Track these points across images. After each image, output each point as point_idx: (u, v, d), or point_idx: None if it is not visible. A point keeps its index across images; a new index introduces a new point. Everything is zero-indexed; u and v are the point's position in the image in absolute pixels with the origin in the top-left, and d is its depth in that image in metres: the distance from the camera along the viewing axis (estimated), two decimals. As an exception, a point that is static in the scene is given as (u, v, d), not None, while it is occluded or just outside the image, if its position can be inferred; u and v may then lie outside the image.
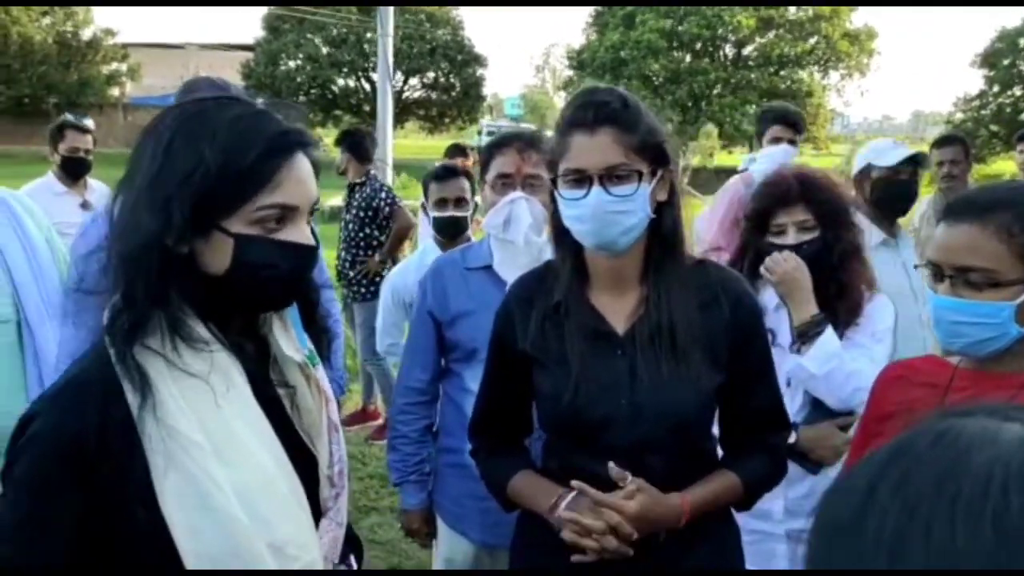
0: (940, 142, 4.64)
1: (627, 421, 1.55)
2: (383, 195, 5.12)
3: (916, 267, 1.66)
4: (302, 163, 1.16)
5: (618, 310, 1.61)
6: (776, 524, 2.17)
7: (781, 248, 2.22)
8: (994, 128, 31.87)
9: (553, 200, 1.61)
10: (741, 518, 1.76)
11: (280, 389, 1.24)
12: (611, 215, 1.50)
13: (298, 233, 1.16)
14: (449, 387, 2.31)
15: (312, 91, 34.96)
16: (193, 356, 1.11)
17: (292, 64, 34.40)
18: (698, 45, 32.00)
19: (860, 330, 2.21)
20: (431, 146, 34.96)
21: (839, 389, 2.13)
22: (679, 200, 1.60)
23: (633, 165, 1.50)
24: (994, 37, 34.16)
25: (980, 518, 0.38)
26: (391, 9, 7.19)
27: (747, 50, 32.51)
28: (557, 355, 1.60)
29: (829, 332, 2.13)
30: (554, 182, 1.57)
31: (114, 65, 36.65)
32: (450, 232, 3.37)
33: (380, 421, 5.30)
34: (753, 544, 1.75)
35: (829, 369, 2.11)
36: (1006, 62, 33.41)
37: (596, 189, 1.50)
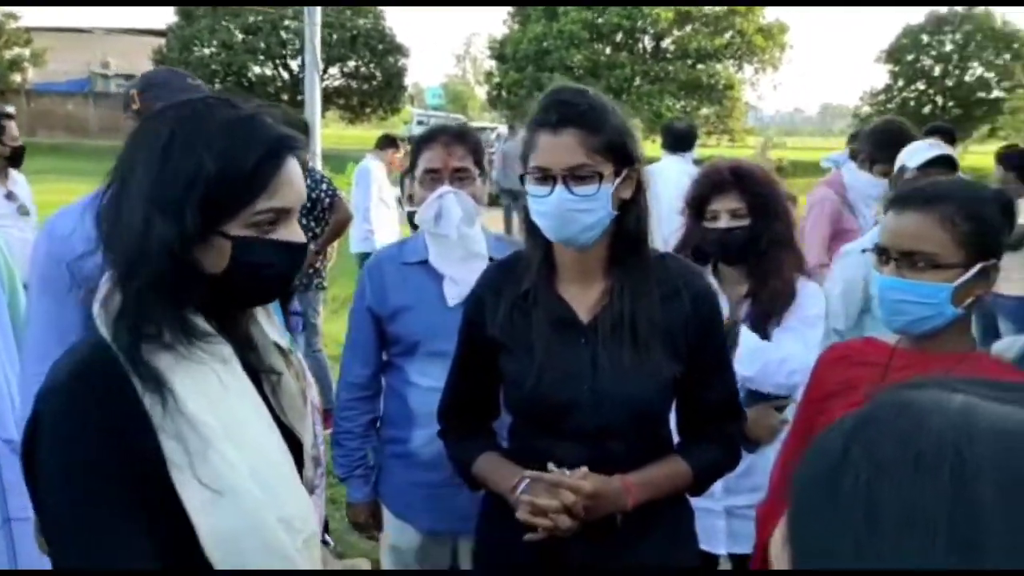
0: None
1: (589, 407, 1.63)
2: (324, 187, 5.07)
3: (864, 251, 1.77)
4: (294, 166, 1.21)
5: (583, 300, 1.68)
6: (716, 501, 2.28)
7: (714, 232, 2.34)
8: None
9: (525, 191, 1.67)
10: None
11: (263, 376, 1.27)
12: (572, 213, 1.57)
13: (291, 232, 1.21)
14: (392, 380, 2.34)
15: (227, 79, 34.04)
16: (197, 348, 1.14)
17: (206, 51, 33.41)
18: (618, 37, 32.39)
19: (792, 315, 2.35)
20: (352, 136, 34.50)
21: (774, 376, 2.28)
22: (645, 197, 1.67)
23: (596, 166, 1.57)
24: (899, 33, 35.65)
25: (939, 472, 0.45)
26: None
27: (665, 43, 33.05)
28: (523, 341, 1.67)
29: (744, 332, 2.28)
30: (522, 177, 1.64)
31: (16, 50, 34.95)
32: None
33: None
34: (696, 521, 1.85)
35: (760, 365, 2.25)
36: (910, 58, 34.90)
37: (559, 188, 1.57)
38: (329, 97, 36.30)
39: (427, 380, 2.20)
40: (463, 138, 2.28)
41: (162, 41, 34.05)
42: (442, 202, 2.20)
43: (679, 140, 5.40)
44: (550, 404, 1.65)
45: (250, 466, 1.13)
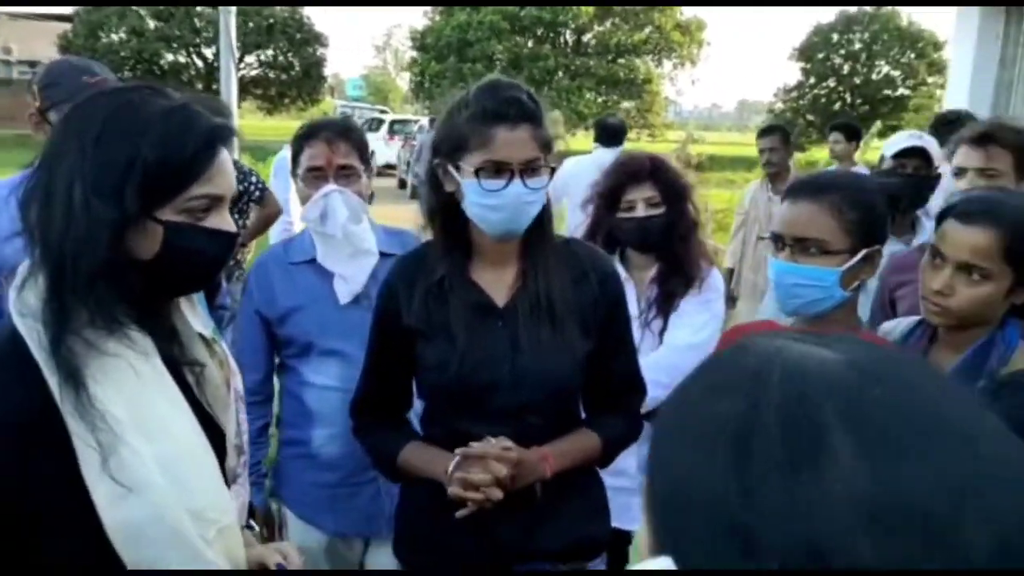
0: (761, 132, 5.05)
1: (510, 386, 1.68)
2: (253, 179, 4.99)
3: (759, 239, 1.87)
4: (226, 155, 1.23)
5: (497, 285, 1.73)
6: (631, 479, 2.35)
7: (631, 221, 2.44)
8: (811, 118, 34.36)
9: (435, 180, 1.70)
10: (602, 476, 1.92)
11: (186, 367, 1.27)
12: (525, 205, 1.64)
13: (222, 220, 1.23)
14: (287, 382, 2.30)
15: (138, 66, 32.92)
16: (113, 337, 1.14)
17: (115, 37, 32.23)
18: (539, 30, 32.57)
19: (691, 299, 2.46)
20: (270, 127, 33.78)
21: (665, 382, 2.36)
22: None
23: (543, 159, 1.64)
24: (810, 32, 36.79)
25: (738, 393, 0.54)
26: (232, -17, 6.92)
27: (586, 37, 33.41)
28: (442, 328, 1.70)
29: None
30: (458, 168, 1.64)
31: (-92, 33, 33.13)
32: None
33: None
34: (611, 499, 1.92)
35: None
36: (820, 56, 36.05)
37: (516, 181, 1.60)
38: (246, 87, 35.44)
39: (322, 379, 2.19)
40: (347, 134, 2.22)
41: (68, 27, 32.69)
42: (327, 201, 2.16)
43: (613, 135, 5.82)
44: (473, 386, 1.69)
45: (161, 459, 1.13)
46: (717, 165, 20.24)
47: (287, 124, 28.05)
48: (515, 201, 1.62)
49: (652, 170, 2.46)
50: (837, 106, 35.35)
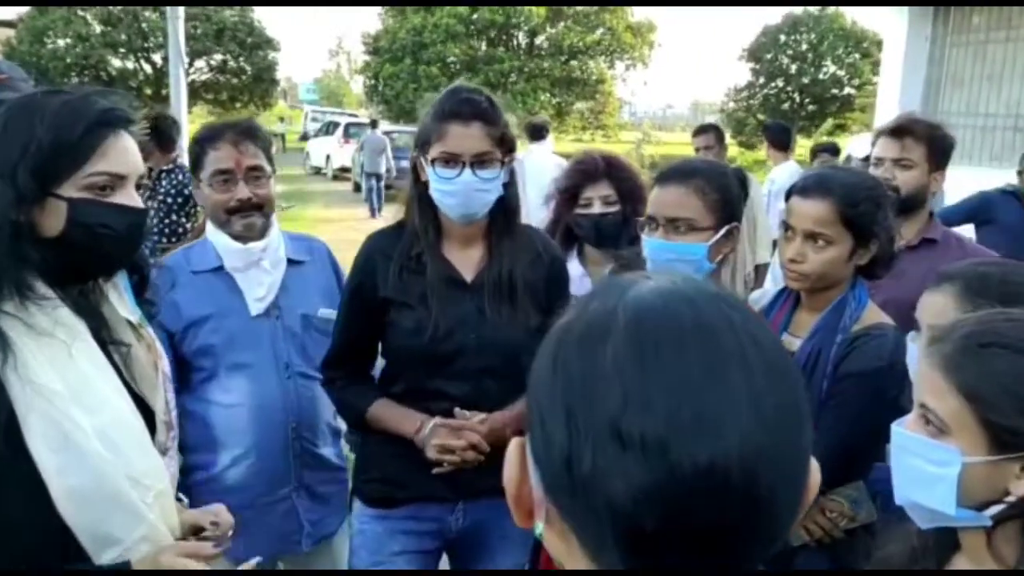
0: (697, 131, 5.26)
1: (474, 352, 1.93)
2: None
3: (638, 222, 2.01)
4: (126, 138, 1.32)
5: (467, 263, 1.98)
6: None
7: (588, 217, 2.56)
8: (761, 117, 34.90)
9: (414, 171, 1.94)
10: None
11: (112, 348, 1.35)
12: (477, 193, 1.89)
13: (128, 198, 1.31)
14: (190, 403, 2.11)
15: (85, 72, 32.33)
16: (41, 314, 1.22)
17: (61, 43, 31.61)
18: (493, 33, 32.66)
19: None
20: (223, 132, 33.30)
21: None
22: (516, 180, 2.00)
23: (495, 154, 1.88)
24: (759, 33, 37.40)
25: (599, 344, 0.60)
26: (180, -12, 6.90)
27: (540, 39, 33.56)
28: (418, 298, 1.92)
29: None
30: (425, 159, 1.88)
31: None
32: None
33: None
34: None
35: None
36: (769, 56, 36.64)
37: (467, 171, 1.85)
38: (197, 91, 34.99)
39: (229, 396, 2.10)
40: (252, 134, 2.12)
41: (11, 33, 31.95)
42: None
43: (537, 131, 7.15)
44: (444, 350, 1.93)
45: (98, 428, 1.22)
46: (671, 165, 20.57)
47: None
48: (466, 188, 1.86)
49: (607, 169, 2.63)
50: (786, 106, 35.97)
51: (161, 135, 4.98)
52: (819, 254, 1.83)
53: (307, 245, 2.32)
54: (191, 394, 2.14)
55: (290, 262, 2.20)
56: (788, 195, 1.92)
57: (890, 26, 5.67)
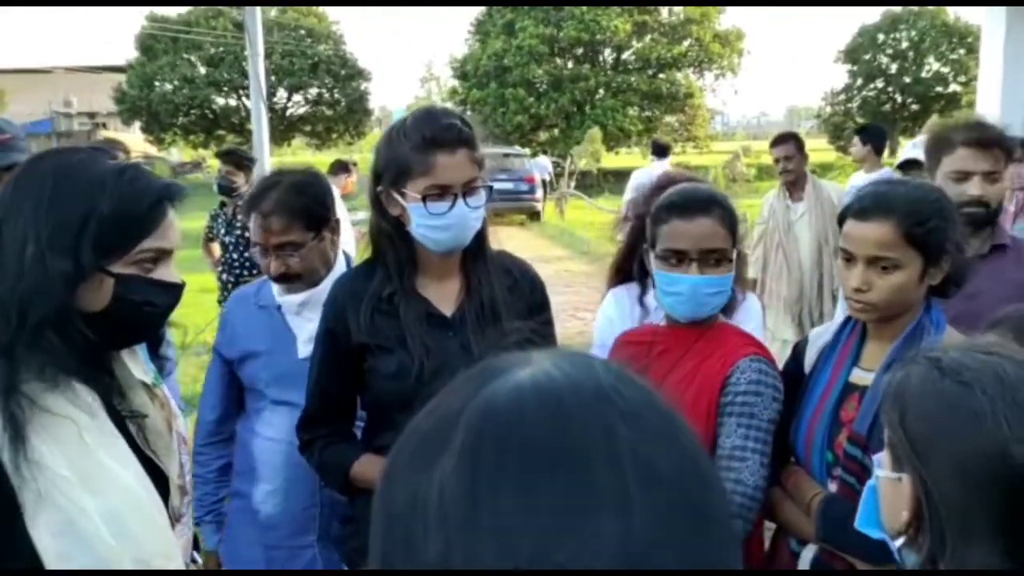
0: (775, 141, 4.97)
1: None
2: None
3: (655, 248, 1.88)
4: (173, 213, 1.31)
5: (445, 296, 1.83)
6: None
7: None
8: (860, 120, 33.72)
9: (379, 206, 1.78)
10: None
11: (127, 416, 1.31)
12: (468, 222, 1.75)
13: (169, 272, 1.29)
14: (241, 429, 2.22)
15: (191, 112, 34.00)
16: (57, 394, 1.17)
17: (168, 86, 33.36)
18: (579, 51, 32.67)
19: None
20: (321, 162, 34.36)
21: None
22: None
23: (480, 178, 1.75)
24: (855, 33, 36.23)
25: (432, 462, 0.50)
26: (259, 28, 7.12)
27: (626, 55, 33.37)
28: (396, 340, 1.77)
29: None
30: (402, 195, 1.73)
31: (-25, 94, 34.75)
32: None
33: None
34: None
35: None
36: (866, 57, 35.44)
37: (460, 203, 1.71)
38: (294, 124, 36.33)
39: (271, 430, 2.13)
40: (283, 207, 2.05)
41: (122, 77, 33.93)
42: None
43: (661, 150, 8.81)
44: (431, 393, 1.71)
45: (105, 511, 1.16)
46: (769, 175, 19.81)
47: (337, 158, 28.50)
48: (460, 221, 1.73)
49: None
50: (887, 107, 34.66)
51: (245, 170, 5.11)
52: (886, 280, 1.65)
53: None
54: (244, 421, 2.23)
55: None
56: (841, 218, 1.74)
57: (986, 25, 5.34)
